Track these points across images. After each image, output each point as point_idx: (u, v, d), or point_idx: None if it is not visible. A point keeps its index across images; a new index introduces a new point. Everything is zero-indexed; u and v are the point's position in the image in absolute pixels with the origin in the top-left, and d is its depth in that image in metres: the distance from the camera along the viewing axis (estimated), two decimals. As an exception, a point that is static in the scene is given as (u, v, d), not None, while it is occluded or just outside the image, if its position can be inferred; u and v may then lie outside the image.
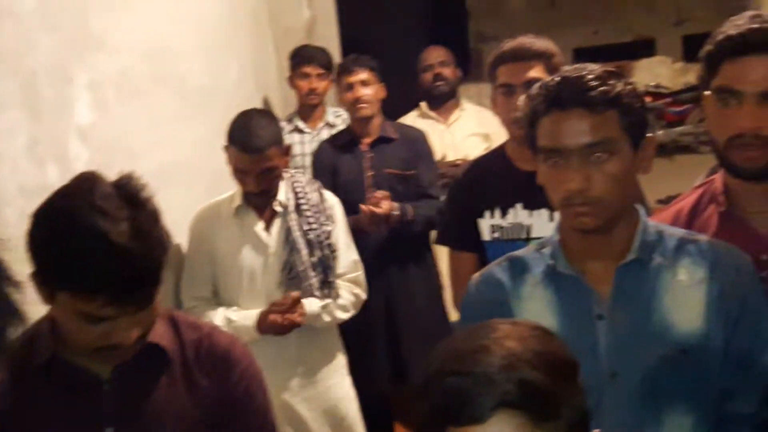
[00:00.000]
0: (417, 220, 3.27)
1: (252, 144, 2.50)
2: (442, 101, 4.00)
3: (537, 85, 1.48)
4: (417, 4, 13.87)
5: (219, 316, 2.60)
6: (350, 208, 2.99)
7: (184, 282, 2.66)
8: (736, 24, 1.57)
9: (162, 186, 2.60)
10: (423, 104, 4.04)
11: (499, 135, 3.94)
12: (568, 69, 1.46)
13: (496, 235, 2.36)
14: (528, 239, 2.31)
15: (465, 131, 3.89)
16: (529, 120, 1.46)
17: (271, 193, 2.61)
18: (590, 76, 1.40)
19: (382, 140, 3.46)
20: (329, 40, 4.05)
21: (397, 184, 3.38)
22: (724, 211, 1.68)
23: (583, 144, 1.39)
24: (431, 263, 3.44)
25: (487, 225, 2.37)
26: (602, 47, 13.17)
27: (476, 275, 1.63)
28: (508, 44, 2.32)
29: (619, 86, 1.40)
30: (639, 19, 14.26)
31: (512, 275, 1.56)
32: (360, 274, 2.81)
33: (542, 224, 2.31)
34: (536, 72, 2.25)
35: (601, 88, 1.39)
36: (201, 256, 2.64)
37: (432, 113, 3.99)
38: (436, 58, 4.01)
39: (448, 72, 3.99)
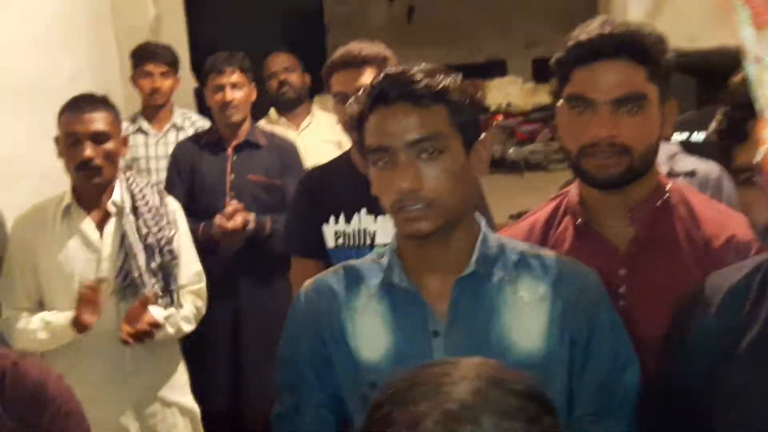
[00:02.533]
0: (274, 235, 3.16)
1: (82, 104, 2.38)
2: (290, 107, 3.91)
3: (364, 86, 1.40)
4: (275, 13, 13.82)
5: (36, 320, 2.40)
6: (206, 212, 2.84)
7: (1, 292, 2.43)
8: (586, 30, 1.52)
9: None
10: (272, 111, 3.95)
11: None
12: (394, 67, 1.40)
13: (340, 241, 2.30)
14: (373, 245, 2.27)
15: (317, 138, 3.81)
16: (356, 123, 1.37)
17: (104, 175, 2.41)
18: (416, 70, 1.33)
19: (248, 145, 3.33)
20: (176, 39, 3.89)
21: (261, 192, 3.26)
22: (580, 223, 1.62)
23: (410, 140, 1.31)
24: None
25: (332, 231, 2.31)
26: (455, 66, 13.41)
27: (308, 282, 1.51)
28: (338, 52, 2.28)
29: (447, 81, 1.32)
30: (491, 40, 14.68)
31: (347, 285, 1.46)
32: (202, 286, 2.65)
33: (388, 230, 2.26)
34: (368, 78, 2.21)
35: (427, 81, 1.31)
36: (21, 263, 2.43)
37: (282, 119, 3.90)
38: (280, 64, 3.93)
39: (293, 78, 3.92)
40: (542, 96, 11.41)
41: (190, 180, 3.22)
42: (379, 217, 2.26)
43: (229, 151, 3.30)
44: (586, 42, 1.49)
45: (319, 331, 1.44)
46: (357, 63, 2.22)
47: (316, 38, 13.85)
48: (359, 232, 2.29)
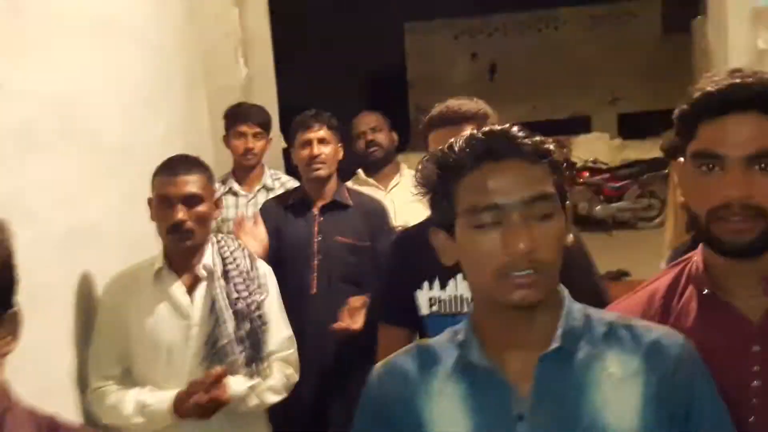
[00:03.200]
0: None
1: (175, 166, 2.35)
2: (378, 167, 3.83)
3: (449, 142, 1.29)
4: (358, 73, 13.99)
5: (130, 400, 2.32)
6: (292, 275, 2.76)
7: (91, 359, 2.37)
8: (714, 80, 1.39)
9: (69, 250, 2.44)
10: (360, 171, 3.88)
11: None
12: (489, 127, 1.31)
13: (434, 308, 2.20)
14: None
15: (406, 197, 3.71)
16: (442, 181, 1.28)
17: (196, 238, 2.36)
18: (517, 129, 1.27)
19: (335, 205, 3.23)
20: (267, 100, 3.89)
21: (349, 254, 3.16)
22: (707, 293, 1.46)
23: (526, 198, 1.21)
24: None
25: (425, 297, 2.21)
26: (540, 123, 13.35)
27: (379, 364, 1.39)
28: (438, 108, 2.20)
29: (547, 141, 1.27)
30: (574, 96, 14.53)
31: (421, 366, 1.33)
32: (293, 352, 2.55)
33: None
34: None
35: (534, 138, 1.25)
36: (111, 328, 2.37)
37: (370, 180, 3.83)
38: (368, 124, 3.85)
39: (381, 137, 3.84)
40: (630, 152, 11.17)
41: (276, 242, 3.14)
42: None
43: (316, 211, 3.22)
44: (717, 93, 1.35)
45: (393, 420, 1.33)
46: (457, 120, 2.14)
47: (399, 96, 13.95)
48: (455, 298, 2.18)
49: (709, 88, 1.37)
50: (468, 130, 2.17)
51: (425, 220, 2.42)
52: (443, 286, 2.19)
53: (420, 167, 1.33)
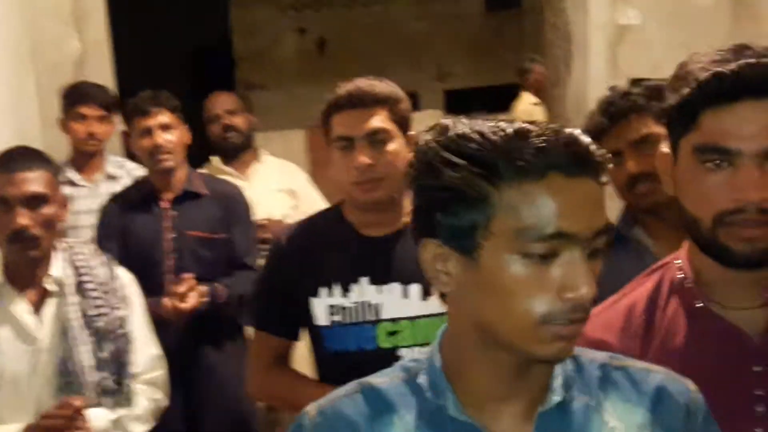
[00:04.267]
0: (230, 302, 2.74)
1: (13, 161, 1.99)
2: (236, 154, 3.49)
3: (488, 127, 0.98)
4: (181, 49, 13.34)
5: None
6: (145, 280, 2.41)
7: None
8: (719, 60, 1.16)
9: None
10: (215, 159, 3.52)
11: (307, 192, 3.58)
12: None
13: (336, 318, 1.92)
14: (378, 321, 1.91)
15: (268, 186, 3.41)
16: (474, 183, 0.97)
17: (43, 246, 2.00)
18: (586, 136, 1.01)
19: (187, 196, 2.89)
20: (103, 78, 3.43)
21: (204, 249, 2.84)
22: (701, 306, 1.26)
23: (599, 227, 1.00)
24: (243, 347, 2.89)
25: (324, 306, 1.93)
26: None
27: (312, 409, 1.08)
28: (344, 88, 1.93)
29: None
30: (404, 73, 14.48)
31: (372, 416, 1.05)
32: (162, 373, 2.21)
33: (394, 302, 1.91)
34: (379, 121, 1.88)
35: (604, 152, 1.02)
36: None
37: (227, 168, 3.47)
38: (223, 106, 3.50)
39: (238, 120, 3.50)
40: (463, 128, 11.21)
41: (123, 245, 2.77)
42: (385, 287, 1.90)
43: (166, 205, 2.87)
44: (728, 75, 1.13)
45: None
46: (369, 102, 1.87)
47: (224, 73, 13.46)
48: (361, 306, 1.92)
49: (718, 69, 1.15)
50: (379, 116, 1.94)
51: (316, 217, 2.13)
52: (345, 292, 1.92)
53: (429, 147, 1.01)
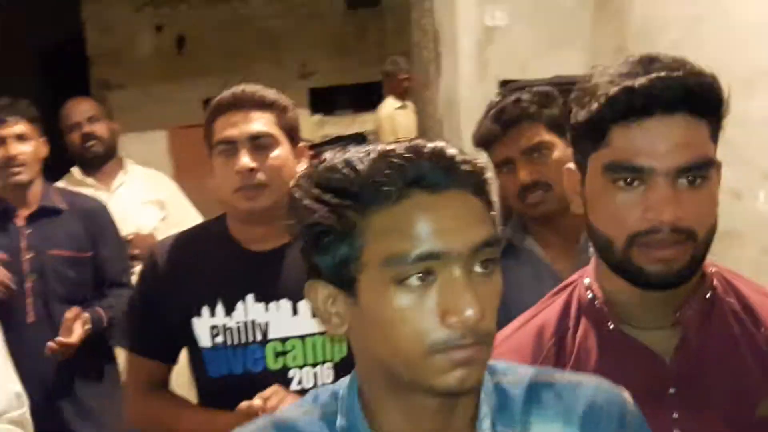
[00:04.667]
0: (113, 325, 2.58)
1: None
2: (98, 164, 3.32)
3: (344, 157, 0.95)
4: (30, 48, 12.68)
5: None
6: (3, 306, 2.22)
7: None
8: (627, 73, 1.13)
9: None
10: (75, 170, 3.33)
11: (176, 201, 3.42)
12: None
13: (219, 339, 1.83)
14: (265, 342, 1.82)
15: (134, 198, 3.25)
16: (340, 215, 0.94)
17: None
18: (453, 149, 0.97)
19: (44, 212, 2.75)
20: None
21: (69, 269, 2.71)
22: (613, 329, 1.23)
23: (475, 244, 0.94)
24: (116, 377, 2.73)
25: (206, 326, 1.84)
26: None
27: None
28: (228, 91, 1.84)
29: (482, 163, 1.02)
30: (268, 71, 14.29)
31: None
32: (24, 412, 2.03)
33: (283, 320, 1.83)
34: (264, 124, 1.80)
35: (476, 163, 0.99)
36: None
37: (88, 180, 3.28)
38: (83, 113, 3.35)
39: (100, 128, 3.34)
40: (329, 128, 11.18)
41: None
42: (272, 304, 1.82)
43: (21, 222, 2.71)
44: (638, 89, 1.10)
45: None
46: (252, 105, 1.79)
47: (78, 73, 12.91)
48: (246, 325, 1.83)
49: (627, 83, 1.11)
50: (262, 120, 1.84)
51: (194, 230, 2.02)
52: (229, 311, 1.84)
53: (300, 185, 0.96)
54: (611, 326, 1.23)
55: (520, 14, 3.95)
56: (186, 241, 1.95)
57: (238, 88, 1.85)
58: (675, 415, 1.19)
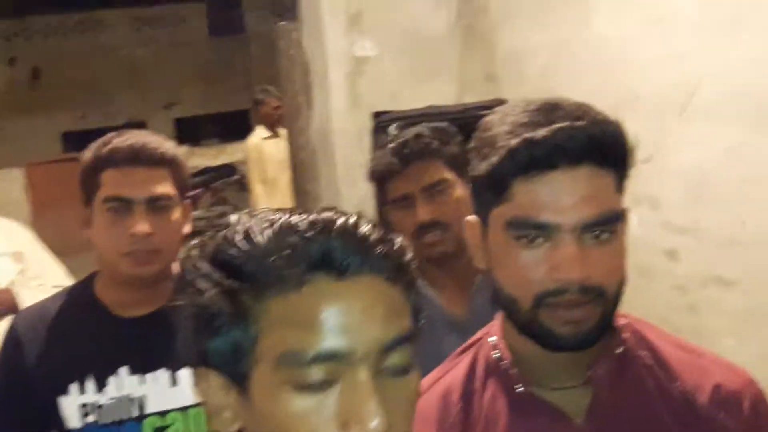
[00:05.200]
0: None
1: None
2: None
3: (243, 230, 0.81)
4: None
5: None
6: None
7: None
8: (527, 123, 1.05)
9: None
10: None
11: (34, 252, 3.18)
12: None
13: (90, 418, 1.67)
14: (142, 417, 1.67)
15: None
16: (233, 300, 0.80)
17: None
18: (367, 225, 0.83)
19: None
20: None
21: None
22: (521, 391, 1.15)
23: (387, 342, 0.81)
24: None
25: (75, 405, 1.67)
26: (92, 131, 12.51)
27: None
28: (121, 140, 1.69)
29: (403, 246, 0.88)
30: (129, 102, 13.90)
31: None
32: None
33: (161, 392, 1.68)
34: (164, 185, 1.67)
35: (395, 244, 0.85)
36: None
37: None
38: None
39: None
40: (196, 159, 10.91)
41: None
42: (149, 376, 1.67)
43: None
44: (541, 142, 1.03)
45: None
46: (152, 161, 1.65)
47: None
48: (120, 401, 1.67)
49: (528, 136, 1.04)
50: (160, 179, 1.68)
51: (60, 294, 1.84)
52: (101, 387, 1.67)
53: (191, 257, 0.83)
54: (520, 389, 1.16)
55: (388, 45, 3.91)
56: (48, 310, 1.77)
57: (134, 139, 1.68)
58: None
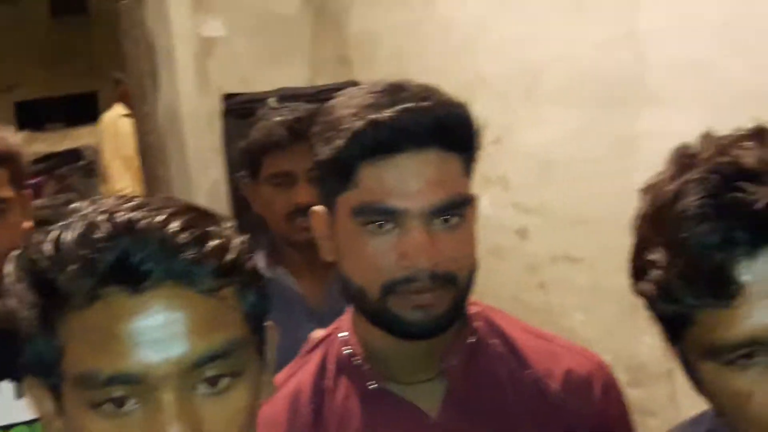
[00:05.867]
0: None
1: None
2: None
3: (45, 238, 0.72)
4: None
5: None
6: None
7: None
8: (372, 104, 1.01)
9: None
10: None
11: None
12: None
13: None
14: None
15: None
16: (37, 314, 0.74)
17: None
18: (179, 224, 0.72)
19: None
20: None
21: None
22: (373, 388, 1.11)
23: (199, 360, 0.74)
24: None
25: None
26: None
27: None
28: None
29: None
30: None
31: None
32: None
33: (5, 406, 1.55)
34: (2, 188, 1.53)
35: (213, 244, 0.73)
36: None
37: None
38: None
39: None
40: (39, 145, 10.37)
41: None
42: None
43: None
44: (386, 125, 0.99)
45: None
46: None
47: None
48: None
49: (372, 117, 1.00)
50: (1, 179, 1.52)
51: None
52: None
53: (13, 263, 0.74)
54: (373, 386, 1.12)
55: (238, 25, 3.81)
56: None
57: None
58: None
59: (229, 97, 3.67)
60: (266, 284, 0.80)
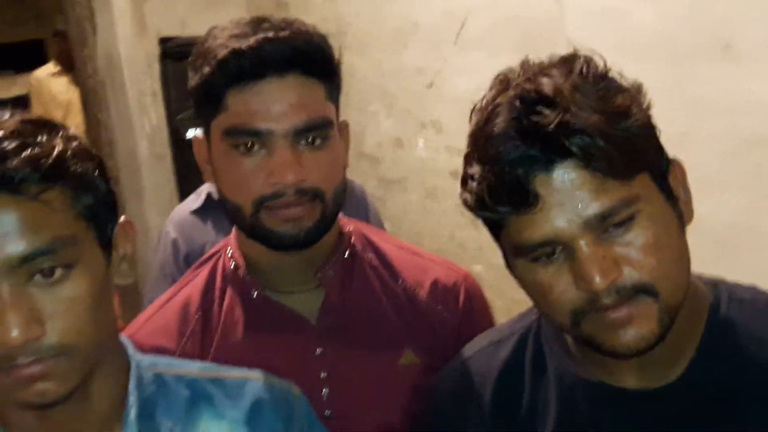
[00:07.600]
0: None
1: None
2: None
3: None
4: None
5: None
6: None
7: None
8: (237, 35, 1.10)
9: None
10: None
11: None
12: None
13: None
14: None
15: None
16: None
17: None
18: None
19: None
20: None
21: None
22: (257, 296, 1.21)
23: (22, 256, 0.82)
24: None
25: None
26: None
27: None
28: None
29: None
30: None
31: None
32: None
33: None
34: None
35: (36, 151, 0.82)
36: None
37: None
38: None
39: None
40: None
41: None
42: None
43: None
44: (247, 52, 1.08)
45: None
46: None
47: None
48: None
49: (234, 46, 1.08)
50: None
51: None
52: None
53: None
54: (255, 294, 1.22)
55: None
56: None
57: None
58: (323, 374, 1.20)
59: (166, 41, 3.68)
60: (110, 187, 0.88)
